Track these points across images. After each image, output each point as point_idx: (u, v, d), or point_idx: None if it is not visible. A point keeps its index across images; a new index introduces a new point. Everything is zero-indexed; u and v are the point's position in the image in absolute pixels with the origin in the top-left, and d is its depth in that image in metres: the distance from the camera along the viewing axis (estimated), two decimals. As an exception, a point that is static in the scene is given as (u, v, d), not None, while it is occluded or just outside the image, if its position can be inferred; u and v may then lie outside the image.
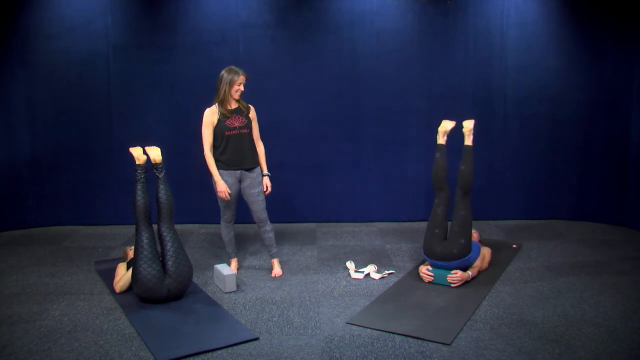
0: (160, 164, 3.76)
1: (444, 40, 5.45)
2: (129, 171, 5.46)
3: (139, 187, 3.68)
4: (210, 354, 2.90)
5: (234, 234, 4.20)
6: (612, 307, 3.44)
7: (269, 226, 4.11)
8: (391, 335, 3.09)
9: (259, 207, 4.03)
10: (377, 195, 5.67)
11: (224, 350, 2.93)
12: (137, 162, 3.75)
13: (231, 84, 3.85)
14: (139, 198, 3.65)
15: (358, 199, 5.67)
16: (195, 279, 3.98)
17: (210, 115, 3.90)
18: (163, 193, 3.71)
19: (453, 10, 5.39)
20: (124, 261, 4.06)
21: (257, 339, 3.06)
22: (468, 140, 4.05)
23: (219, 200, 4.03)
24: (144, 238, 3.55)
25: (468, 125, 4.08)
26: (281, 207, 5.56)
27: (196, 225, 5.53)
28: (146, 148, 3.82)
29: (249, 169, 3.99)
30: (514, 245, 4.77)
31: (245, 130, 3.95)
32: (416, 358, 2.83)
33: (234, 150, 3.91)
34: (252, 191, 4.00)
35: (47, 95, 5.32)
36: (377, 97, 5.50)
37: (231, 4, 5.32)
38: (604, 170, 5.48)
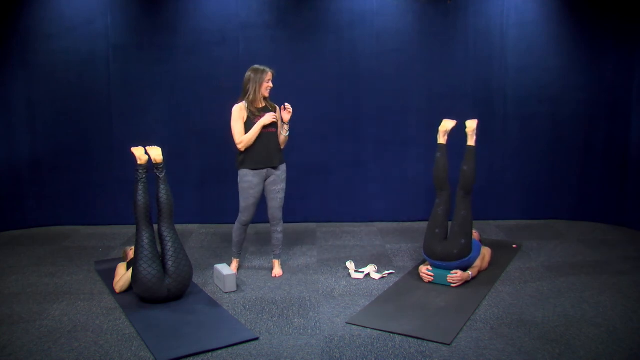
0: (161, 164, 3.77)
1: (444, 40, 5.46)
2: (129, 171, 5.47)
3: (140, 187, 3.68)
4: (210, 354, 2.90)
5: (245, 237, 4.18)
6: (612, 307, 3.43)
7: (280, 227, 4.13)
8: (391, 335, 3.09)
9: (276, 205, 4.06)
10: (377, 195, 5.67)
11: (224, 350, 2.93)
12: (138, 162, 3.75)
13: (260, 82, 3.92)
14: (139, 198, 3.65)
15: (358, 199, 5.67)
16: (195, 279, 3.98)
17: (239, 111, 3.93)
18: (164, 193, 3.71)
19: (453, 10, 5.39)
20: (124, 261, 4.06)
21: (257, 339, 3.06)
22: (471, 141, 4.05)
23: (240, 199, 4.03)
24: (145, 238, 3.54)
25: (471, 125, 4.08)
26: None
27: (196, 225, 5.53)
28: (147, 148, 3.83)
29: (275, 167, 4.02)
30: (514, 245, 4.77)
31: (273, 129, 3.99)
32: (416, 358, 2.83)
33: (261, 149, 3.94)
34: (274, 188, 4.03)
35: (47, 95, 5.32)
36: (377, 97, 5.50)
37: (231, 4, 5.32)
38: (604, 170, 5.48)
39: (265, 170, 3.99)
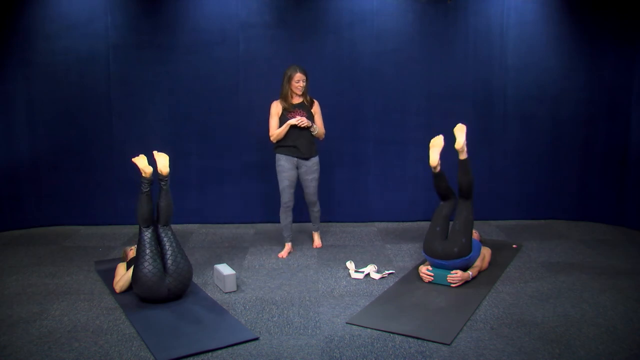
0: (166, 176, 3.68)
1: (444, 40, 5.46)
2: (129, 171, 5.47)
3: (144, 198, 3.60)
4: (210, 354, 2.89)
5: (291, 220, 4.62)
6: (612, 307, 3.43)
7: (316, 207, 4.71)
8: (391, 335, 3.09)
9: (310, 191, 4.59)
10: (377, 195, 5.67)
11: (224, 350, 2.93)
12: (142, 175, 3.63)
13: (289, 80, 4.36)
14: (144, 209, 3.58)
15: (358, 199, 5.67)
16: (195, 279, 3.98)
17: (275, 107, 4.44)
18: (164, 202, 3.65)
19: (453, 10, 5.39)
20: (124, 261, 4.06)
21: (257, 339, 3.06)
22: (462, 155, 3.91)
23: (278, 182, 4.53)
24: (146, 237, 3.54)
25: (460, 140, 3.89)
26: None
27: (196, 225, 5.53)
28: (155, 154, 3.72)
29: (306, 158, 4.47)
30: (514, 245, 4.77)
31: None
32: (416, 358, 2.83)
33: (293, 142, 4.41)
34: (306, 177, 4.53)
35: (47, 95, 5.32)
36: (377, 97, 5.50)
37: (231, 4, 5.32)
38: (604, 171, 5.48)
39: (295, 159, 4.46)
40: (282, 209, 4.58)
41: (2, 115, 5.25)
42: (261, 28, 5.37)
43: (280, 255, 4.55)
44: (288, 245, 4.63)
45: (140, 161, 3.67)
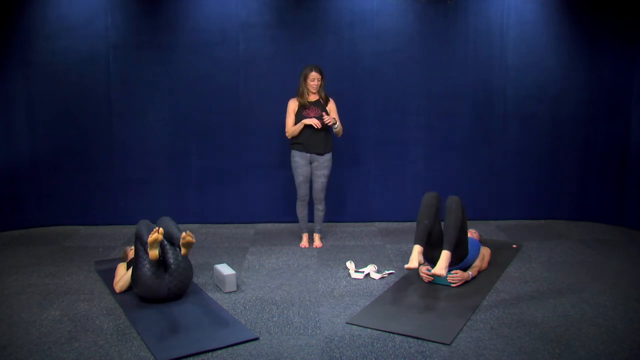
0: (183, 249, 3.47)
1: (444, 40, 5.46)
2: (129, 171, 5.49)
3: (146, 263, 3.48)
4: (210, 354, 2.89)
5: (307, 213, 4.82)
6: (612, 307, 3.43)
7: (321, 206, 4.78)
8: (391, 335, 3.09)
9: (318, 187, 4.71)
10: (377, 195, 5.67)
11: (224, 350, 2.93)
12: (147, 253, 3.44)
13: (305, 78, 4.52)
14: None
15: (358, 199, 5.67)
16: (195, 279, 3.98)
17: (291, 104, 4.62)
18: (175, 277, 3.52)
19: (453, 10, 5.39)
20: (124, 261, 4.06)
21: (257, 339, 3.06)
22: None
23: (295, 179, 4.69)
24: (146, 237, 3.53)
25: (442, 269, 3.49)
26: (282, 207, 5.56)
27: (196, 225, 5.53)
28: (182, 240, 3.35)
29: (320, 154, 4.62)
30: (514, 245, 4.77)
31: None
32: (416, 358, 2.83)
33: (308, 138, 4.57)
34: (317, 172, 4.67)
35: (47, 95, 5.31)
36: (377, 97, 5.50)
37: (231, 4, 5.32)
38: (604, 171, 5.48)
39: (309, 155, 4.62)
40: (298, 203, 4.79)
41: (2, 115, 5.25)
42: (261, 28, 5.37)
43: (301, 245, 4.80)
44: (305, 235, 4.87)
45: (153, 247, 3.39)
